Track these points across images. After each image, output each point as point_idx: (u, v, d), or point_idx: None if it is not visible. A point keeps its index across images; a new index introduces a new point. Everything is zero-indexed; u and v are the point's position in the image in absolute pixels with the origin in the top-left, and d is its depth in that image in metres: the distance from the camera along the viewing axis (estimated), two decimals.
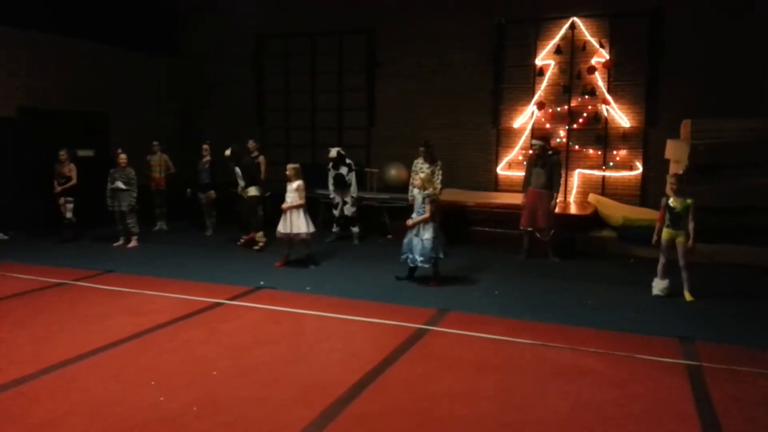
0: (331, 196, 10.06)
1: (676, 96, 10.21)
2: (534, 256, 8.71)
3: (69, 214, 9.67)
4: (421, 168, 8.89)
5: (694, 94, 10.02)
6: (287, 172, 8.04)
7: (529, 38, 11.16)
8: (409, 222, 7.19)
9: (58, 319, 5.82)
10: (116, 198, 9.49)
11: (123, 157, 9.53)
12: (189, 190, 10.75)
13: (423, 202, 7.08)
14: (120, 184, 9.42)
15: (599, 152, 10.90)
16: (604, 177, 10.92)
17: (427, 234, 7.04)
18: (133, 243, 9.63)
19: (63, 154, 9.62)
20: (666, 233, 6.70)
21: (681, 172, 7.84)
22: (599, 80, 10.76)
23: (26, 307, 6.25)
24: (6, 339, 5.26)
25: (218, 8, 13.53)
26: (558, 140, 10.98)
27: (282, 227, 7.93)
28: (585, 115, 10.91)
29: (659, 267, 6.79)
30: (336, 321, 5.85)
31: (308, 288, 7.03)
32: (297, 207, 7.88)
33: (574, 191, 11.13)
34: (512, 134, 11.46)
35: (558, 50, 10.94)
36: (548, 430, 3.70)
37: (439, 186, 8.92)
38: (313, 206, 8.70)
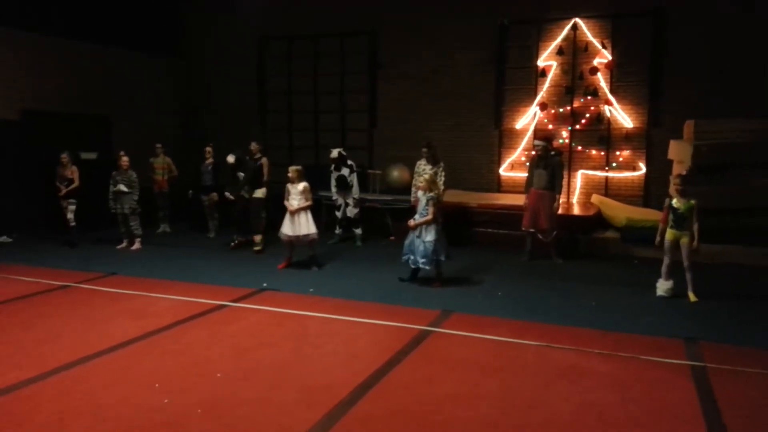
0: (334, 198, 10.06)
1: (679, 96, 10.19)
2: (537, 258, 8.70)
3: (71, 216, 9.68)
4: (423, 169, 8.88)
5: (697, 94, 10.00)
6: (290, 174, 8.04)
7: (531, 39, 11.15)
8: (411, 223, 7.18)
9: (61, 322, 5.82)
10: (118, 201, 9.50)
11: (125, 160, 9.54)
12: (191, 192, 10.78)
13: (426, 204, 7.08)
14: (122, 187, 9.43)
15: (602, 153, 10.88)
16: (607, 178, 10.91)
17: (429, 236, 7.03)
18: (136, 245, 9.64)
19: (65, 156, 9.64)
20: (670, 234, 6.69)
21: (685, 172, 7.81)
22: (602, 81, 10.75)
23: (30, 309, 6.26)
24: (10, 341, 5.27)
25: (221, 10, 13.57)
26: (561, 141, 10.96)
27: (289, 229, 7.92)
28: (587, 115, 10.90)
29: (663, 268, 6.77)
30: (339, 323, 5.85)
31: (311, 290, 7.03)
32: (305, 209, 7.92)
33: (577, 192, 11.12)
34: (515, 135, 11.46)
35: (560, 51, 10.94)
36: None
37: (441, 187, 8.92)
38: (316, 208, 8.71)
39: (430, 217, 7.02)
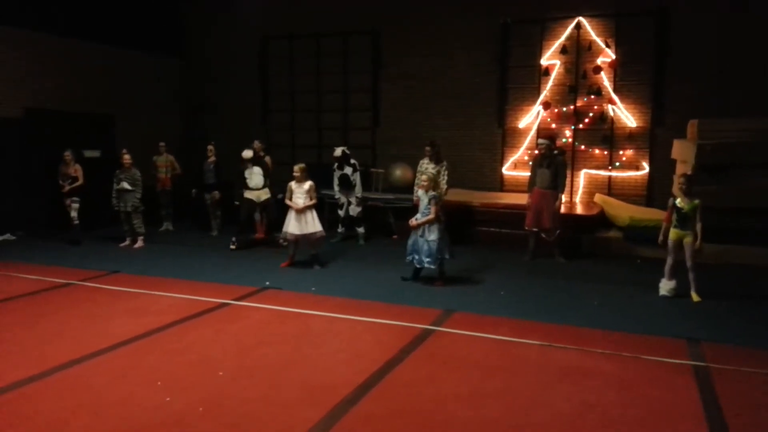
0: (336, 197, 10.06)
1: (683, 96, 10.16)
2: (539, 257, 8.69)
3: (74, 214, 9.70)
4: (426, 168, 8.87)
5: (700, 93, 9.97)
6: (295, 173, 8.04)
7: (534, 38, 11.13)
8: (413, 222, 7.18)
9: (64, 320, 5.84)
10: (121, 199, 9.52)
11: (127, 158, 9.56)
12: (194, 190, 10.80)
13: (429, 203, 7.07)
14: (125, 185, 9.45)
15: (605, 152, 10.86)
16: (610, 177, 10.88)
17: (433, 235, 7.03)
18: (139, 243, 9.66)
19: (68, 154, 9.66)
20: (673, 233, 6.68)
21: (689, 172, 7.80)
22: (605, 80, 10.72)
23: (32, 307, 6.28)
24: (12, 339, 5.28)
25: (224, 10, 13.57)
26: (564, 140, 10.94)
27: (296, 228, 7.92)
28: (591, 115, 10.87)
29: (666, 267, 6.76)
30: (341, 321, 5.85)
31: (314, 288, 7.04)
32: (311, 207, 7.94)
33: (580, 191, 11.10)
34: (518, 134, 11.44)
35: (564, 50, 10.91)
36: None
37: (445, 186, 8.92)
38: (319, 207, 8.71)
39: (432, 216, 7.02)
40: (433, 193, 7.12)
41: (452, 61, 11.75)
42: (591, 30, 10.74)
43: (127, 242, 9.71)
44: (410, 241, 7.24)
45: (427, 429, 3.73)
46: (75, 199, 9.68)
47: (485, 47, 11.44)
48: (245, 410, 3.94)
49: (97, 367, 4.70)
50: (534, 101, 11.21)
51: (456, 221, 9.10)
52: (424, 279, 7.33)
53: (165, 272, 7.83)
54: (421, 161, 9.14)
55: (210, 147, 10.61)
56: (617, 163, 10.81)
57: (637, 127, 10.63)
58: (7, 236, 10.07)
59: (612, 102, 10.69)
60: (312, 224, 7.97)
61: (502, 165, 11.58)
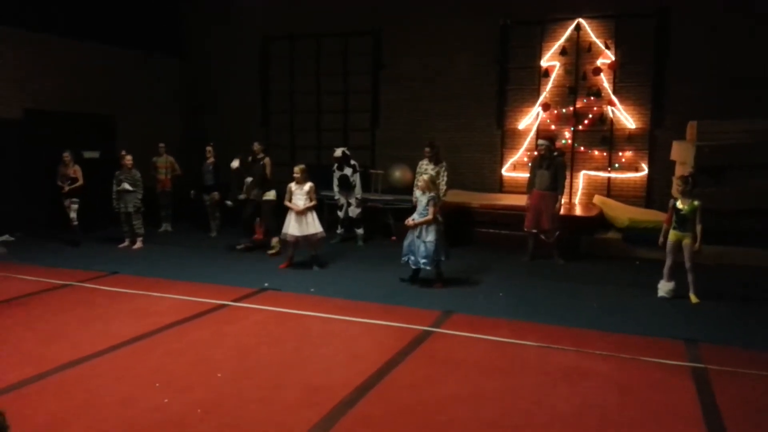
0: (336, 198, 10.06)
1: (682, 97, 10.17)
2: (538, 258, 8.69)
3: (73, 215, 9.69)
4: (426, 169, 8.88)
5: (700, 95, 9.98)
6: (296, 174, 8.04)
7: (534, 39, 11.13)
8: (410, 222, 7.18)
9: (63, 321, 5.84)
10: (122, 199, 9.52)
11: (128, 159, 9.56)
12: (192, 191, 10.80)
13: (426, 204, 7.08)
14: (126, 185, 9.45)
15: (605, 154, 10.86)
16: (609, 178, 10.89)
17: (430, 236, 7.03)
18: (138, 244, 9.66)
19: (67, 155, 9.65)
20: (673, 235, 6.68)
21: (688, 173, 7.80)
22: (605, 81, 10.73)
23: (31, 308, 6.28)
24: (11, 340, 5.28)
25: (224, 10, 13.57)
26: (563, 141, 10.95)
27: (296, 230, 7.92)
28: (590, 116, 10.88)
29: (665, 269, 6.77)
30: (340, 323, 5.85)
31: (312, 290, 7.04)
32: (311, 209, 7.95)
33: (579, 193, 11.10)
34: (517, 135, 11.44)
35: (563, 51, 10.92)
36: None
37: (444, 187, 8.92)
38: (319, 208, 8.72)
39: (430, 217, 7.02)
40: (431, 194, 7.12)
41: (452, 62, 11.75)
42: (591, 31, 10.74)
43: (126, 243, 9.71)
44: (406, 242, 7.24)
45: (426, 430, 3.73)
46: (74, 200, 9.67)
47: (485, 48, 11.45)
48: (244, 411, 3.94)
49: (96, 368, 4.70)
50: (533, 102, 11.22)
51: (455, 222, 9.10)
52: (423, 281, 7.33)
53: (164, 273, 7.83)
54: (421, 162, 9.14)
55: (209, 148, 10.61)
56: (616, 165, 10.81)
57: (636, 128, 10.64)
58: (6, 237, 10.07)
59: (611, 103, 10.70)
60: (312, 225, 7.98)
61: (501, 166, 11.58)
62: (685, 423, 3.83)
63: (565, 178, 8.77)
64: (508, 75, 11.39)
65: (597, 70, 10.70)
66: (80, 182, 9.65)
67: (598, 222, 9.69)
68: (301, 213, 7.90)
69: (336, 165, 9.88)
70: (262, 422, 3.80)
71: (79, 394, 4.18)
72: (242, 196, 9.36)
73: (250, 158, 9.50)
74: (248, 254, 9.14)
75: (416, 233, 7.13)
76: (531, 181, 8.70)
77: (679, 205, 6.61)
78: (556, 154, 8.74)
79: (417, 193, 7.50)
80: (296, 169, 8.11)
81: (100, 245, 9.79)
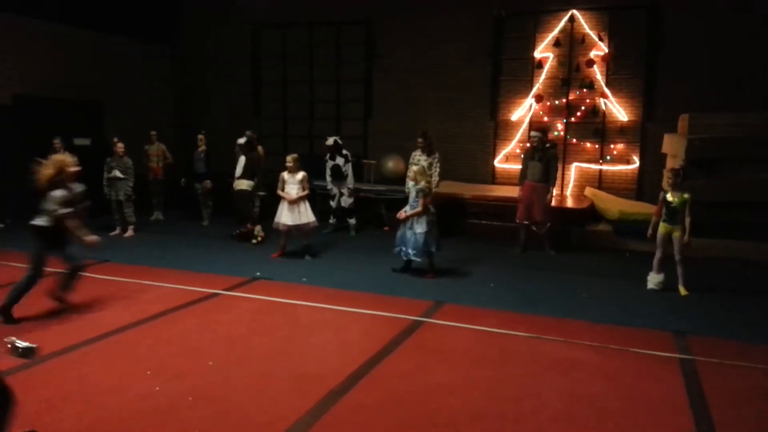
0: (329, 188, 10.05)
1: (674, 90, 10.20)
2: (530, 249, 8.73)
3: None
4: (418, 160, 8.87)
5: (692, 88, 10.01)
6: (288, 164, 8.01)
7: (527, 31, 11.12)
8: (401, 214, 7.19)
9: (52, 309, 5.81)
10: (113, 187, 9.47)
11: (120, 146, 9.50)
12: (183, 180, 10.74)
13: (417, 196, 7.08)
14: (117, 173, 9.40)
15: (596, 146, 10.90)
16: (601, 171, 10.93)
17: (420, 228, 7.04)
18: (129, 232, 9.62)
19: (57, 142, 9.58)
20: (662, 227, 6.72)
21: (679, 166, 7.85)
22: (597, 73, 10.74)
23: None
24: (0, 329, 5.25)
25: None
26: (556, 133, 10.97)
27: (288, 219, 7.91)
28: (583, 108, 10.90)
29: (655, 261, 6.82)
30: (332, 312, 5.86)
31: (304, 279, 7.04)
32: (304, 198, 7.94)
33: (571, 185, 11.14)
34: (510, 127, 11.45)
35: (557, 43, 10.92)
36: (542, 423, 3.73)
37: (437, 178, 8.91)
38: (311, 197, 8.71)
39: (420, 208, 7.03)
40: (421, 185, 7.12)
41: (445, 52, 11.72)
42: (584, 23, 10.74)
43: (117, 231, 9.67)
44: (399, 233, 7.26)
45: (417, 419, 3.76)
46: None
47: (479, 39, 11.42)
48: (235, 400, 3.95)
49: (86, 356, 4.69)
50: (526, 94, 11.22)
51: (447, 213, 9.12)
52: (415, 271, 7.36)
53: (155, 262, 7.81)
54: (414, 153, 9.13)
55: (200, 136, 10.56)
56: (608, 157, 10.85)
57: (628, 121, 10.67)
58: None
59: (604, 96, 10.72)
60: (305, 215, 7.98)
61: (494, 157, 11.60)
62: (673, 412, 3.88)
63: (557, 169, 8.81)
64: (502, 66, 11.38)
65: (590, 62, 10.71)
66: None
67: (589, 214, 9.74)
68: (294, 202, 7.88)
69: (328, 155, 9.86)
70: (253, 410, 3.81)
71: (69, 382, 4.18)
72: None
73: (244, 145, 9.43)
74: (240, 243, 9.11)
75: (407, 224, 7.14)
76: (523, 172, 8.72)
77: (669, 197, 6.65)
78: (548, 146, 8.76)
79: (410, 184, 7.50)
80: (289, 158, 8.08)
81: (90, 233, 9.70)
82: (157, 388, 4.08)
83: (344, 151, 9.82)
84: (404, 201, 7.64)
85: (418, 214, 7.04)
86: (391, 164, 11.09)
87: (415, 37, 11.90)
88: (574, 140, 11.02)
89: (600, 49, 10.66)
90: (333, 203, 10.07)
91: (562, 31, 10.89)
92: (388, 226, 10.13)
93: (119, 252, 8.37)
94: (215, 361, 4.58)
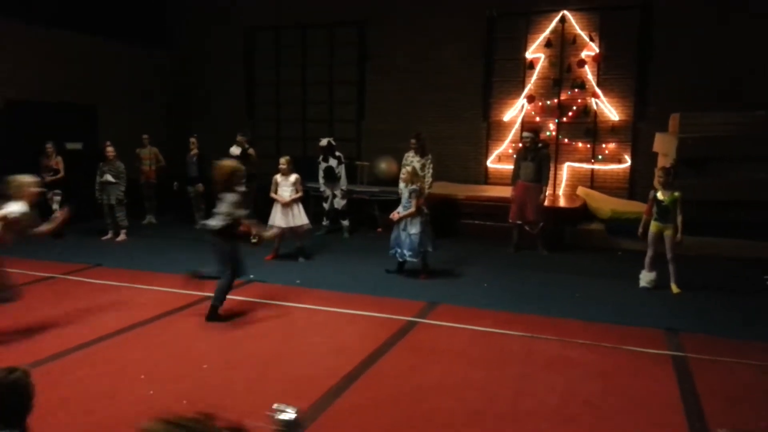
0: (321, 189, 10.04)
1: (665, 90, 10.26)
2: (523, 249, 8.76)
3: (55, 206, 9.59)
4: (411, 161, 8.88)
5: (682, 88, 10.06)
6: (282, 166, 8.02)
7: (519, 31, 11.15)
8: (395, 216, 7.20)
9: (46, 313, 5.78)
10: (105, 191, 9.44)
11: (110, 150, 9.47)
12: (176, 183, 10.71)
13: (409, 197, 7.09)
14: (109, 177, 9.37)
15: (588, 145, 10.94)
16: (593, 170, 10.97)
17: (414, 228, 7.05)
18: (121, 236, 9.58)
19: (50, 146, 9.54)
20: (654, 226, 6.76)
21: (669, 165, 7.90)
22: (589, 74, 10.79)
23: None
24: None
25: (209, 0, 13.43)
26: (548, 133, 11.01)
27: (282, 221, 7.91)
28: (574, 108, 10.94)
29: (647, 259, 6.86)
30: (325, 314, 5.86)
31: (298, 281, 7.04)
32: (297, 200, 7.95)
33: (563, 184, 11.18)
34: (502, 127, 11.49)
35: (548, 43, 10.96)
36: (537, 421, 3.74)
37: (430, 179, 8.92)
38: (305, 199, 8.71)
39: (413, 209, 7.04)
40: (414, 186, 7.13)
41: (438, 53, 11.74)
42: (575, 24, 10.79)
43: (109, 235, 9.63)
44: (393, 235, 7.27)
45: (412, 419, 3.76)
46: (57, 191, 9.56)
47: (471, 40, 11.45)
48: (229, 403, 3.94)
49: (80, 360, 4.67)
50: (519, 94, 11.25)
51: (440, 214, 9.13)
52: (409, 272, 7.36)
53: (148, 265, 7.78)
54: (407, 154, 9.13)
55: (192, 140, 10.52)
56: (600, 157, 10.90)
57: (619, 120, 10.72)
58: None
59: (595, 95, 10.76)
60: (298, 217, 7.99)
61: (486, 158, 11.62)
62: (666, 409, 3.91)
63: (549, 169, 8.84)
64: (494, 66, 11.41)
65: (581, 63, 10.75)
66: (61, 174, 9.54)
67: (582, 213, 9.78)
68: (288, 205, 7.88)
69: (321, 156, 9.85)
70: (248, 413, 3.80)
71: (63, 387, 4.16)
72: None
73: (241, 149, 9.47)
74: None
75: (401, 226, 7.15)
76: (516, 172, 8.75)
77: (660, 196, 6.68)
78: (540, 145, 8.80)
79: (402, 185, 7.51)
80: (282, 160, 8.08)
81: (83, 237, 9.69)
82: (151, 392, 4.07)
83: (337, 153, 9.83)
84: (397, 202, 7.65)
85: (412, 215, 7.05)
86: (384, 166, 11.08)
87: (408, 38, 11.91)
88: (566, 140, 11.07)
89: (591, 50, 10.71)
90: (326, 205, 10.06)
91: (553, 31, 10.94)
92: (381, 228, 10.13)
93: (112, 256, 8.34)
94: (209, 364, 4.58)
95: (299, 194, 8.00)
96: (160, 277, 7.19)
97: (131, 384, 4.20)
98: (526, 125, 10.72)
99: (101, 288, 6.73)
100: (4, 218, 5.02)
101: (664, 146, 9.44)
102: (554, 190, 11.02)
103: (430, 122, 11.74)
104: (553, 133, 11.08)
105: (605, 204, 9.61)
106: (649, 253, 6.82)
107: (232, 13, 13.16)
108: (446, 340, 5.19)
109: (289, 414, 2.71)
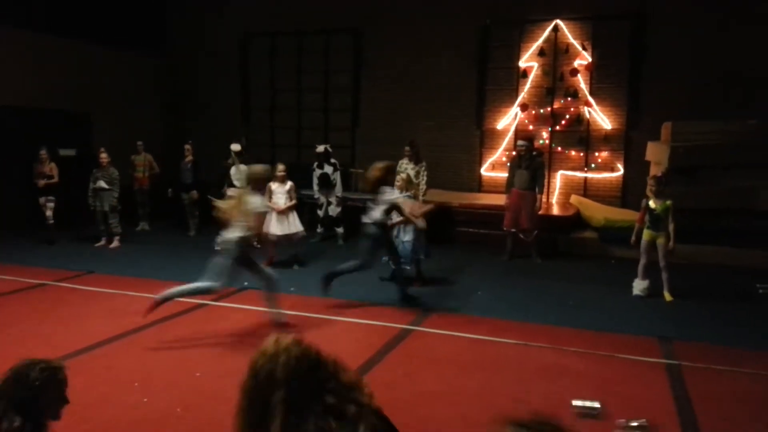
0: (316, 197, 10.05)
1: (657, 99, 10.34)
2: (517, 257, 8.78)
3: (49, 213, 9.55)
4: (405, 169, 8.91)
5: (674, 96, 10.15)
6: (280, 173, 8.03)
7: (513, 40, 11.23)
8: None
9: (39, 321, 5.75)
10: (98, 197, 9.41)
11: (104, 157, 9.44)
12: (170, 190, 10.69)
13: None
14: (102, 184, 9.34)
15: (581, 154, 11.01)
16: (586, 178, 11.03)
17: (407, 236, 7.06)
18: (115, 243, 9.55)
19: (43, 153, 9.50)
20: (646, 234, 6.80)
21: (661, 174, 7.96)
22: (582, 83, 10.87)
23: (6, 308, 6.16)
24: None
25: (205, 7, 13.46)
26: (541, 142, 11.07)
27: (278, 229, 7.91)
28: (567, 117, 11.01)
29: (639, 267, 6.89)
30: (320, 321, 5.86)
31: (292, 289, 7.02)
32: (292, 208, 7.96)
33: (556, 192, 11.23)
34: (496, 135, 11.54)
35: (541, 52, 11.04)
36: None
37: (424, 187, 8.95)
38: (299, 207, 8.72)
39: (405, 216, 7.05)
40: (408, 193, 7.15)
41: (432, 62, 11.80)
42: (568, 33, 10.87)
43: (102, 242, 9.59)
44: None
45: (407, 427, 3.74)
46: (50, 198, 9.52)
47: (465, 49, 11.52)
48: (223, 410, 3.91)
49: (73, 368, 4.56)
50: (512, 103, 11.32)
51: (434, 222, 9.14)
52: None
53: (141, 272, 7.75)
54: (401, 161, 9.17)
55: (187, 146, 10.51)
56: (593, 165, 10.96)
57: (612, 129, 10.79)
58: None
59: (588, 104, 10.84)
60: (293, 224, 8.00)
61: (480, 166, 11.67)
62: (660, 418, 3.92)
63: (544, 177, 8.89)
64: (488, 75, 11.48)
65: (574, 71, 10.83)
66: (55, 180, 9.51)
67: (575, 221, 9.82)
68: (283, 212, 7.89)
69: (316, 163, 9.87)
70: None
71: None
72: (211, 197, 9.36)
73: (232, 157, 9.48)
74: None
75: (394, 233, 7.16)
76: (510, 180, 8.79)
77: (652, 204, 6.73)
78: (535, 154, 8.85)
79: (396, 192, 7.52)
80: (280, 167, 8.10)
81: (76, 244, 9.65)
82: (145, 400, 4.06)
83: (332, 160, 9.84)
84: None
85: (405, 222, 7.07)
86: None
87: (403, 46, 11.97)
88: (559, 148, 11.13)
89: (584, 59, 10.79)
90: (320, 212, 10.06)
91: (546, 40, 11.02)
92: None
93: (105, 263, 8.31)
94: (203, 372, 4.56)
95: (293, 202, 8.01)
96: (153, 284, 7.13)
97: (125, 392, 4.18)
98: (520, 133, 10.77)
99: (94, 295, 6.70)
100: (254, 213, 5.36)
101: (657, 155, 9.51)
102: (548, 198, 11.07)
103: (425, 130, 11.78)
104: (547, 142, 11.14)
105: (598, 212, 9.66)
106: (642, 261, 6.86)
107: (227, 20, 13.18)
108: (441, 347, 5.19)
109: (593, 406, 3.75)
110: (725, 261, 8.47)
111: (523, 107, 11.19)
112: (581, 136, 10.96)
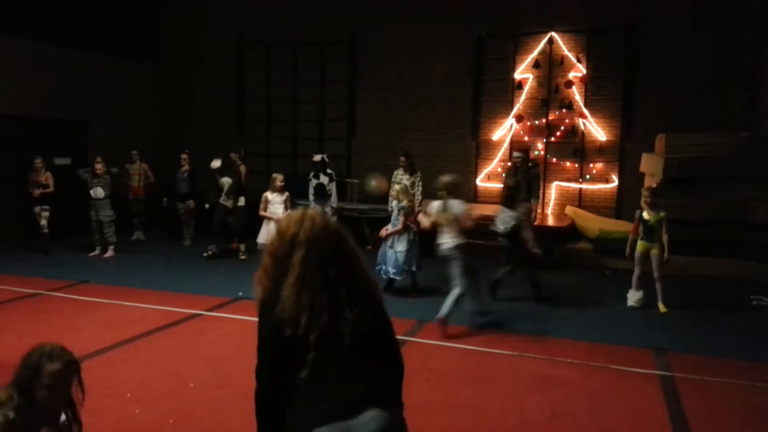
0: (311, 207, 10.04)
1: (652, 110, 10.40)
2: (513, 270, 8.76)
3: (44, 222, 9.52)
4: (401, 179, 8.93)
5: (669, 108, 10.21)
6: (278, 183, 8.04)
7: (508, 52, 11.30)
8: (383, 232, 7.23)
9: (32, 330, 5.71)
10: (94, 207, 9.40)
11: (100, 167, 9.44)
12: (165, 199, 10.68)
13: (398, 214, 7.12)
14: (100, 192, 9.36)
15: (576, 165, 11.05)
16: (580, 189, 11.07)
17: (401, 246, 7.07)
18: (109, 253, 9.52)
19: (39, 161, 9.50)
20: (640, 245, 6.82)
21: (655, 185, 7.99)
22: (576, 94, 10.93)
23: None
24: None
25: (200, 17, 13.50)
26: (536, 153, 11.11)
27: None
28: (562, 128, 11.06)
29: (634, 278, 6.90)
30: None
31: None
32: None
33: (551, 203, 11.26)
34: (491, 146, 11.58)
35: (536, 64, 11.10)
36: None
37: (419, 197, 8.97)
38: None
39: (400, 226, 7.06)
40: (402, 204, 7.16)
41: (428, 73, 11.86)
42: (563, 45, 10.95)
43: (97, 251, 9.56)
44: (380, 252, 7.28)
45: None
46: (45, 207, 9.50)
47: (460, 60, 11.58)
48: (216, 421, 3.91)
49: None
50: (507, 114, 11.37)
51: (430, 232, 9.13)
52: (397, 290, 7.36)
53: (136, 282, 7.72)
54: (396, 172, 9.20)
55: (184, 156, 10.52)
56: (587, 176, 11.00)
57: (606, 140, 10.84)
58: None
59: (583, 116, 10.90)
60: None
61: (476, 176, 11.70)
62: (653, 428, 3.92)
63: (539, 188, 8.90)
64: (483, 87, 11.54)
65: (569, 83, 10.90)
66: (51, 189, 9.50)
67: (570, 232, 9.84)
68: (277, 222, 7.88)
69: (312, 173, 9.88)
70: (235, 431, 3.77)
71: None
72: (223, 200, 9.39)
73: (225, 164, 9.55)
74: (222, 263, 9.06)
75: (388, 243, 7.17)
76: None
77: (646, 215, 6.75)
78: (531, 165, 8.87)
79: (393, 202, 7.55)
80: (279, 177, 8.11)
81: (70, 253, 9.62)
82: (138, 411, 4.03)
83: (328, 170, 9.86)
84: (387, 220, 7.66)
85: (399, 233, 7.07)
86: (374, 183, 11.11)
87: (398, 57, 12.02)
88: (554, 159, 11.17)
89: (578, 71, 10.86)
90: None
91: (541, 52, 11.09)
92: (371, 245, 10.12)
93: (99, 272, 8.28)
94: (196, 382, 4.54)
95: (289, 212, 8.01)
96: (147, 294, 7.13)
97: (117, 402, 4.15)
98: (515, 145, 10.81)
99: (88, 305, 6.67)
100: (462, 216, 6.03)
101: (651, 166, 9.55)
102: (543, 209, 11.09)
103: (420, 140, 11.82)
104: (542, 153, 11.18)
105: (593, 223, 9.68)
106: (636, 272, 6.88)
107: (223, 29, 13.22)
108: (435, 358, 5.18)
109: None
110: (719, 272, 8.50)
111: (519, 118, 11.24)
112: (576, 147, 11.01)
